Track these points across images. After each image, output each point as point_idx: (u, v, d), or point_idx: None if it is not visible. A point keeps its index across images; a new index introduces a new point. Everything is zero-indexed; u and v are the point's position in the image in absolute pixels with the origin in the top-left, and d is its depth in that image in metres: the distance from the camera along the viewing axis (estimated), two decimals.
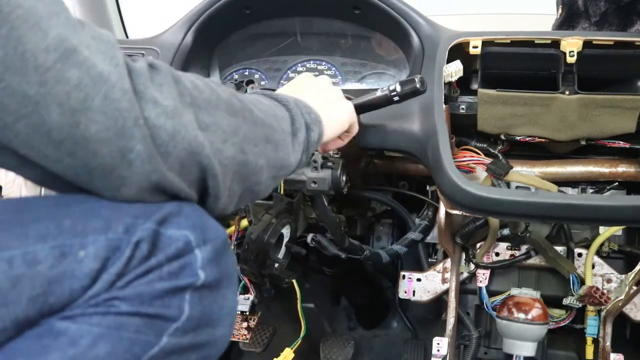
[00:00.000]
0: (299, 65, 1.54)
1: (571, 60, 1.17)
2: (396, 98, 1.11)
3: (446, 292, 1.49)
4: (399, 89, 1.10)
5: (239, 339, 1.28)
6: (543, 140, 1.23)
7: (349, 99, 1.11)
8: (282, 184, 1.19)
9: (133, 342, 0.66)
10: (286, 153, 0.84)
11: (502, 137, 1.25)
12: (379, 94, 1.13)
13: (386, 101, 1.12)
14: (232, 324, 0.76)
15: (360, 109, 1.17)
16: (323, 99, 0.99)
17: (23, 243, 0.62)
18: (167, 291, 0.67)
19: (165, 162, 0.66)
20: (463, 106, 1.27)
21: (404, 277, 1.51)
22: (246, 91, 1.22)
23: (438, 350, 1.38)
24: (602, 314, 1.43)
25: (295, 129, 0.86)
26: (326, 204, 1.26)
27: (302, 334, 1.27)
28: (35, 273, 0.61)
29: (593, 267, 1.42)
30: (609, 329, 1.42)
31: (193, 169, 0.69)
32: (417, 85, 1.09)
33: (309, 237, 1.36)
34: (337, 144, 1.10)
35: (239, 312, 1.27)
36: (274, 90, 1.04)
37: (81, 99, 0.61)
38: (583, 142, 1.22)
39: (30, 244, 0.62)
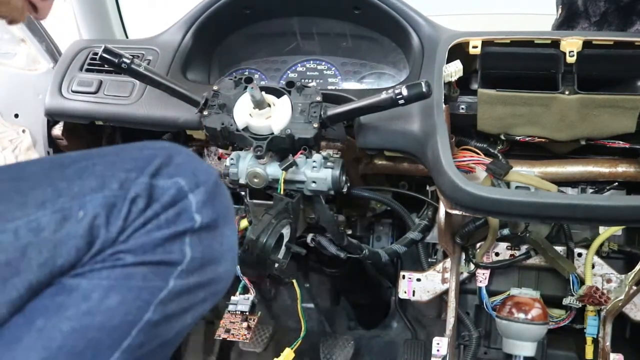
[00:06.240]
0: (299, 65, 1.54)
1: (571, 60, 1.17)
2: (402, 101, 1.10)
3: (446, 292, 1.48)
4: (405, 92, 1.08)
5: (239, 339, 1.27)
6: (543, 140, 1.23)
7: (350, 99, 1.10)
8: (282, 184, 1.19)
9: (141, 289, 0.70)
10: None
11: (502, 137, 1.25)
12: (383, 96, 1.12)
13: (391, 104, 1.11)
14: (234, 259, 0.80)
15: (364, 110, 1.17)
16: None
17: (25, 212, 0.66)
18: (167, 238, 0.71)
19: None
20: (463, 106, 1.27)
21: (403, 277, 1.51)
22: (245, 89, 1.22)
23: (438, 350, 1.38)
24: (602, 314, 1.43)
25: None
26: (323, 202, 1.26)
27: (302, 334, 1.27)
28: (41, 239, 0.65)
29: (593, 267, 1.41)
30: (608, 329, 1.42)
31: None
32: (424, 90, 1.07)
33: (309, 237, 1.36)
34: None
35: (239, 312, 1.27)
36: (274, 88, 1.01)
37: None
38: (583, 142, 1.22)
39: (31, 212, 0.66)
